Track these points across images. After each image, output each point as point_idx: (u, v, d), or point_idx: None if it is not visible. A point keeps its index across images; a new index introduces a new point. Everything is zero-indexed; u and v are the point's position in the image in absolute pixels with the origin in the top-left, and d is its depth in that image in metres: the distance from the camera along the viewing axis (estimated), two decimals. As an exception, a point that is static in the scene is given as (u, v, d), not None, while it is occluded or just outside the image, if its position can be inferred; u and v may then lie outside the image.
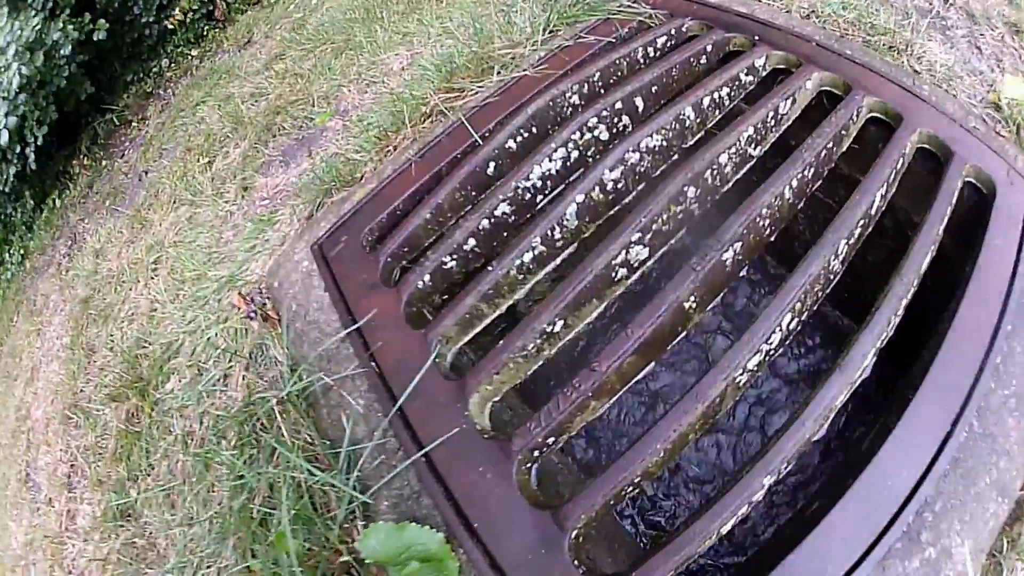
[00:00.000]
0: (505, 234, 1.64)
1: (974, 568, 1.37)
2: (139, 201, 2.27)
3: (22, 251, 3.19)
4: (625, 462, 1.30)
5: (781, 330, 1.40)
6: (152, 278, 2.04)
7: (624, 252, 1.49)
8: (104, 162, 2.66)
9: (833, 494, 1.43)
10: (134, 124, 2.77)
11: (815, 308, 1.47)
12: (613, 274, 1.48)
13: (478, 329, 1.56)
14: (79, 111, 3.30)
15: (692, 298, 1.42)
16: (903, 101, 1.82)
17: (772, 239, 1.57)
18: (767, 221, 1.53)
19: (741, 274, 1.51)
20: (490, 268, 1.56)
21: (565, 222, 1.57)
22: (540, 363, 1.48)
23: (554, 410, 1.37)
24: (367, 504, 1.60)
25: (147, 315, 2.02)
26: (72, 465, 2.02)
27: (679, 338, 1.43)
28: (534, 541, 1.33)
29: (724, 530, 1.26)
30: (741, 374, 1.35)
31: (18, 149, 3.30)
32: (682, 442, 1.33)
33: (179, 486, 1.82)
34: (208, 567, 1.72)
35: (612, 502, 1.33)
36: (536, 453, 1.41)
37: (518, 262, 1.54)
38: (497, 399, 1.49)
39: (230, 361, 1.83)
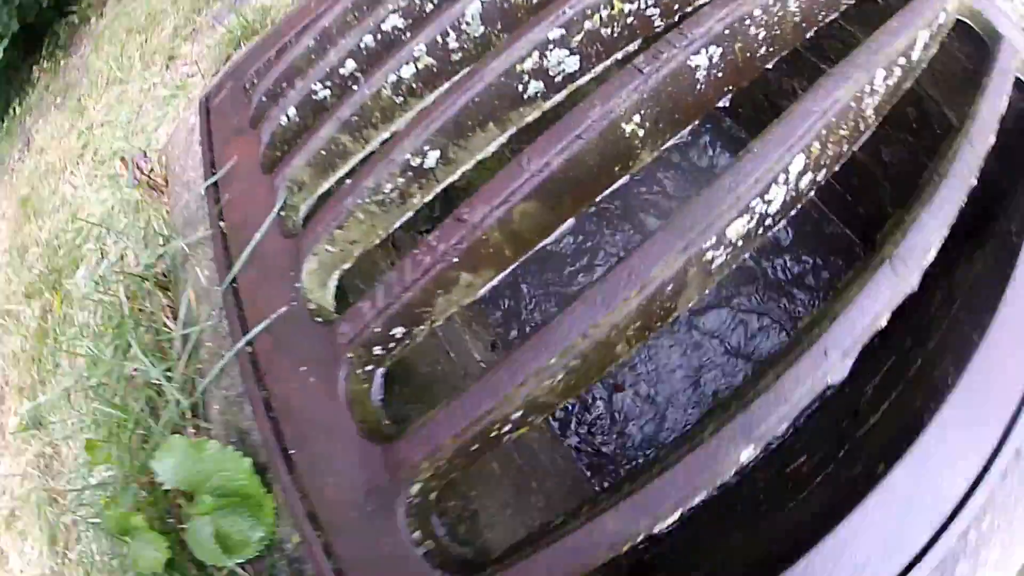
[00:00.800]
0: (397, 58, 0.83)
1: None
2: (81, 91, 1.54)
3: (-14, 166, 2.26)
4: (494, 382, 0.46)
5: (787, 183, 0.51)
6: (78, 164, 1.30)
7: (538, 56, 0.60)
8: (62, 62, 1.90)
9: (844, 490, 0.55)
10: (92, 21, 1.98)
11: (838, 165, 0.64)
12: (520, 87, 0.60)
13: (342, 172, 0.71)
14: (42, 19, 2.19)
15: (637, 117, 0.52)
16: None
17: (767, 66, 0.74)
18: (761, 32, 0.69)
19: (721, 104, 0.69)
20: (355, 88, 0.72)
21: (465, 27, 0.67)
22: (408, 214, 0.63)
23: (397, 282, 0.54)
24: (198, 407, 0.88)
25: (70, 202, 1.28)
26: (4, 376, 1.32)
27: (617, 183, 0.64)
28: (361, 492, 0.52)
29: (670, 520, 0.41)
30: (713, 246, 0.47)
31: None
32: (603, 355, 0.47)
33: (74, 386, 1.12)
34: (89, 477, 1.02)
35: (474, 447, 0.49)
36: (378, 351, 0.56)
37: (393, 78, 0.67)
38: (347, 266, 0.65)
39: (126, 241, 1.10)
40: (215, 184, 0.84)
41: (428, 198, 0.61)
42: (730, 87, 0.64)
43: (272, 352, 0.65)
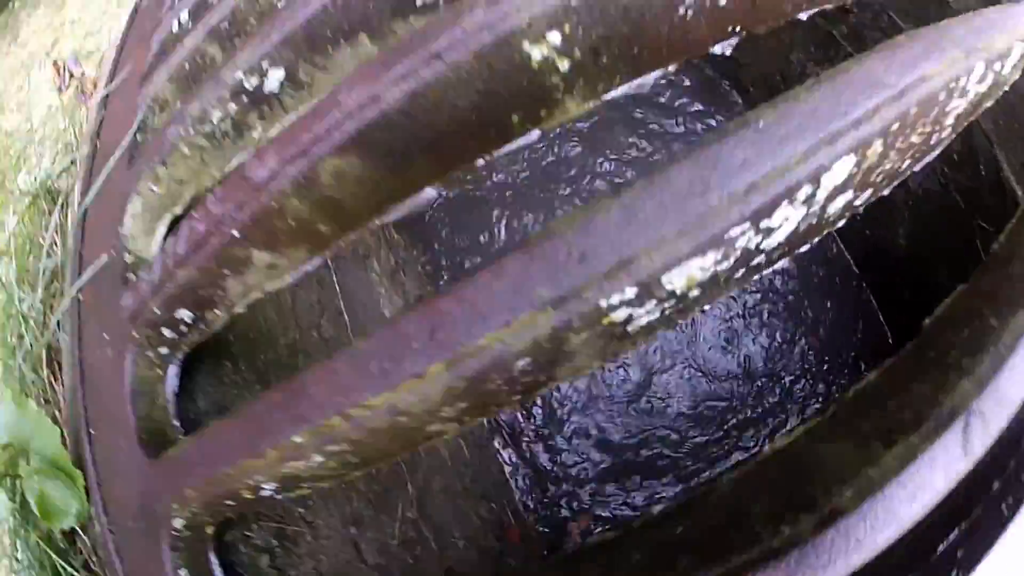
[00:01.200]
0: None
1: None
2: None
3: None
4: (229, 438, 0.23)
5: (809, 202, 0.22)
6: (43, 62, 1.12)
7: (446, -61, 0.38)
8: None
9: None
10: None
11: (888, 189, 0.28)
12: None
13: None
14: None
15: (555, 35, 0.26)
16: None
17: (800, 16, 0.45)
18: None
19: (716, 51, 0.43)
20: (227, -18, 0.54)
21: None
22: (249, 151, 0.37)
23: (170, 253, 0.30)
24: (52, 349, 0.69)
25: (28, 101, 1.10)
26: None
27: (518, 141, 0.41)
28: (135, 502, 0.27)
29: None
30: (632, 302, 0.21)
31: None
32: (400, 439, 0.22)
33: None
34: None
35: (229, 502, 0.26)
36: (169, 334, 0.33)
37: (271, -29, 0.43)
38: (178, 210, 0.41)
39: (58, 147, 0.91)
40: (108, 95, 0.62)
41: (274, 132, 0.39)
42: (736, 28, 0.37)
43: (90, 307, 0.45)
